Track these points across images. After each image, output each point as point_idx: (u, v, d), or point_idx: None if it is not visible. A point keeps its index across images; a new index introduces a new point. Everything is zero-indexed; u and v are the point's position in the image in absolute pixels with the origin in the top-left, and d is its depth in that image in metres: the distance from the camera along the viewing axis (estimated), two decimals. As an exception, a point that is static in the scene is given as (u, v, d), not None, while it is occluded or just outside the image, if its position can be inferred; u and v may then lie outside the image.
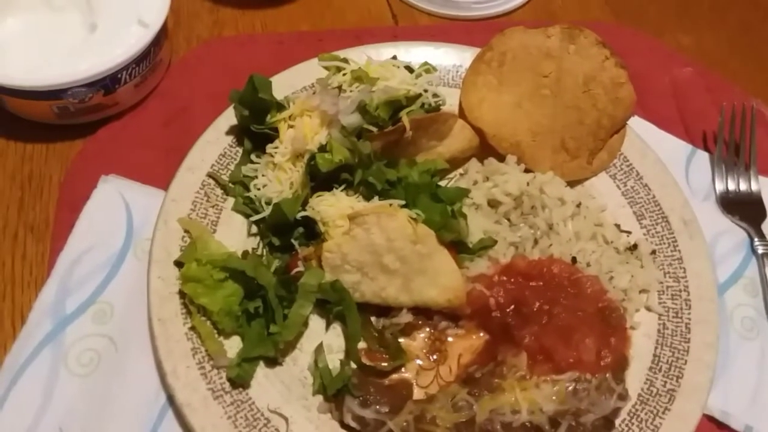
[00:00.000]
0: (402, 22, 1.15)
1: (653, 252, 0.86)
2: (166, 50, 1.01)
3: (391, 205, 0.80)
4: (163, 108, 0.99)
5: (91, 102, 0.92)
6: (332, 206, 0.80)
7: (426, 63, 0.93)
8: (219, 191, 0.87)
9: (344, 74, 0.88)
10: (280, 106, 0.86)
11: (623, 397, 0.75)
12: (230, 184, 0.87)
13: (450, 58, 1.00)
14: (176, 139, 0.95)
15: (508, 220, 0.89)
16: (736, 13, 1.23)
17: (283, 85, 0.94)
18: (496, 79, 0.96)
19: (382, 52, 0.98)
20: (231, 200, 0.86)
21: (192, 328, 0.76)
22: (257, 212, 0.84)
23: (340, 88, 0.85)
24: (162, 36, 0.96)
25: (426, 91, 0.87)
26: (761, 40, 1.20)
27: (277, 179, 0.83)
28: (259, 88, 0.82)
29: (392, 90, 0.82)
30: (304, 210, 0.80)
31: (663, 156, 0.96)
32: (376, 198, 0.80)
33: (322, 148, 0.80)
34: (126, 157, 0.93)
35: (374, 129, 0.81)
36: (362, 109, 0.80)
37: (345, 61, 0.91)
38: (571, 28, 0.97)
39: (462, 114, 0.95)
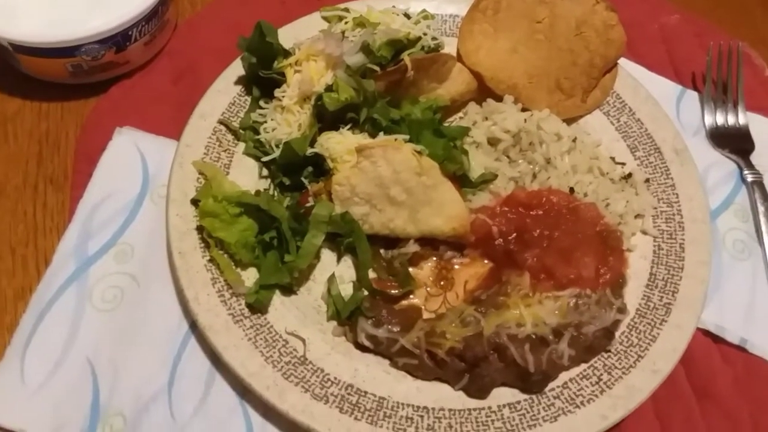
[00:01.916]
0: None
1: (647, 180, 0.90)
2: (173, 11, 1.05)
3: (396, 140, 0.83)
4: (172, 66, 1.03)
5: (103, 59, 0.96)
6: (340, 143, 0.83)
7: (424, 10, 0.97)
8: (230, 137, 0.90)
9: (346, 22, 0.92)
10: (286, 53, 0.89)
11: (622, 310, 0.79)
12: (241, 130, 0.90)
13: (447, 7, 1.04)
14: (185, 94, 0.98)
15: (508, 156, 0.93)
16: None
17: (287, 38, 0.97)
18: (492, 27, 1.00)
19: (381, 3, 1.02)
20: (242, 145, 0.90)
21: (211, 260, 0.80)
22: (267, 154, 0.88)
23: (343, 33, 0.89)
24: (168, -5, 1.00)
25: (425, 34, 0.90)
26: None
27: (285, 121, 0.87)
28: (266, 32, 0.86)
29: (393, 31, 0.86)
30: (313, 148, 0.84)
31: (654, 96, 1.00)
32: (381, 135, 0.84)
33: (329, 89, 0.84)
34: (138, 112, 0.97)
35: (378, 69, 0.85)
36: (366, 48, 0.84)
37: (346, 11, 0.95)
38: None
39: (460, 61, 0.99)
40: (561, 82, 0.97)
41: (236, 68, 0.94)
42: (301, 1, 1.11)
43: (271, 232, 0.79)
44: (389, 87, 0.87)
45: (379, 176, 0.81)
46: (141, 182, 0.90)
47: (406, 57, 0.85)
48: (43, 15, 0.94)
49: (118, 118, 0.96)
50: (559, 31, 0.99)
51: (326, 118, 0.85)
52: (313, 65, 0.87)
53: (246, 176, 0.88)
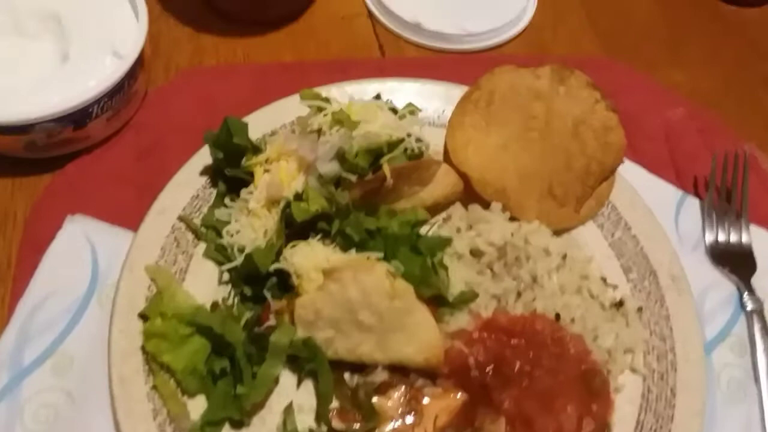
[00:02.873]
0: (389, 52, 1.12)
1: (640, 309, 0.83)
2: (142, 81, 0.97)
3: (368, 258, 0.76)
4: (137, 141, 0.95)
5: (60, 136, 0.88)
6: (307, 257, 0.76)
7: (410, 104, 0.90)
8: (190, 236, 0.83)
9: (325, 115, 0.85)
10: (256, 149, 0.82)
11: (604, 466, 0.72)
12: (202, 228, 0.83)
13: (437, 96, 0.97)
14: (149, 174, 0.91)
15: (491, 269, 0.86)
16: (732, 51, 1.20)
17: (262, 122, 0.91)
18: (484, 120, 0.93)
19: (367, 88, 0.95)
20: (202, 246, 0.83)
21: (154, 387, 0.72)
22: (229, 259, 0.80)
23: (320, 131, 0.81)
24: (137, 67, 0.92)
25: (409, 135, 0.83)
26: (756, 80, 1.17)
27: (250, 226, 0.80)
28: (234, 132, 0.79)
29: (373, 136, 0.79)
30: (278, 261, 0.77)
31: (652, 201, 0.93)
32: (353, 251, 0.76)
33: (298, 197, 0.77)
34: (95, 194, 0.90)
35: (353, 178, 0.78)
36: (341, 156, 0.77)
37: (326, 100, 0.88)
38: (561, 69, 0.94)
39: (447, 155, 0.92)
40: (553, 187, 0.90)
41: (203, 156, 0.87)
42: (283, 73, 1.05)
43: (223, 360, 0.72)
44: (366, 194, 0.80)
45: (347, 300, 0.74)
46: (89, 280, 0.82)
47: (385, 165, 0.78)
48: (-3, 86, 0.87)
49: (73, 200, 0.89)
50: (555, 130, 0.92)
51: (295, 225, 0.78)
52: (284, 166, 0.79)
53: (204, 282, 0.81)
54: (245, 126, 0.82)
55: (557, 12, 1.20)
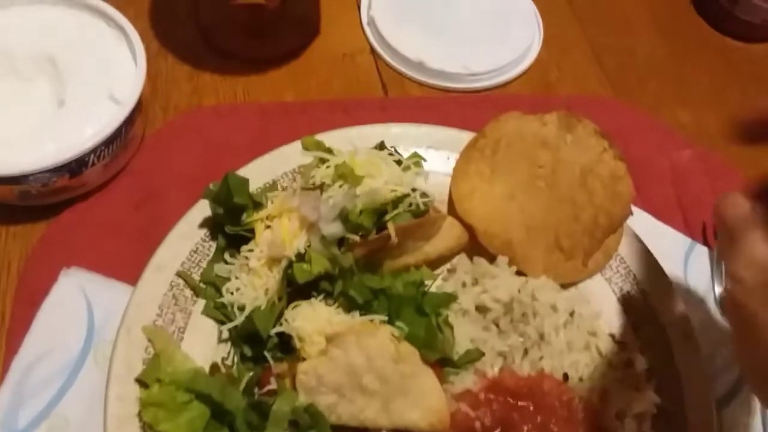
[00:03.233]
0: (392, 91, 1.10)
1: (649, 369, 0.81)
2: (140, 125, 0.95)
3: (371, 320, 0.74)
4: (135, 188, 0.93)
5: (55, 185, 0.86)
6: (309, 320, 0.74)
7: (415, 154, 0.88)
8: (188, 292, 0.81)
9: (327, 167, 0.83)
10: (257, 204, 0.80)
11: None
12: (201, 285, 0.81)
13: (443, 143, 0.95)
14: (147, 224, 0.89)
15: (497, 326, 0.84)
16: (738, 90, 1.19)
17: (263, 170, 0.88)
18: (489, 168, 0.91)
19: (370, 134, 0.93)
20: (201, 302, 0.81)
21: (152, 456, 0.70)
22: (229, 318, 0.78)
23: (322, 186, 0.79)
24: (135, 112, 0.90)
25: (414, 190, 0.81)
26: (764, 119, 1.16)
27: (251, 284, 0.78)
28: (233, 190, 0.76)
29: (377, 195, 0.77)
30: (280, 322, 0.75)
31: (661, 251, 0.91)
32: (356, 313, 0.74)
33: (300, 257, 0.75)
34: (91, 245, 0.87)
35: (357, 238, 0.76)
36: (344, 217, 0.75)
37: (329, 150, 0.86)
38: (569, 116, 0.92)
39: (451, 206, 0.90)
40: (561, 239, 0.88)
41: (203, 207, 0.84)
42: (284, 114, 1.03)
43: (223, 429, 0.70)
44: (370, 253, 0.78)
45: (350, 364, 0.72)
46: (84, 338, 0.80)
47: (390, 226, 0.76)
48: (-14, 136, 0.85)
49: (69, 250, 0.86)
50: (562, 179, 0.90)
51: (297, 285, 0.76)
52: (286, 223, 0.77)
53: (203, 341, 0.78)
54: (246, 182, 0.79)
55: (562, 49, 1.19)
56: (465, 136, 0.94)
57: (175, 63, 1.07)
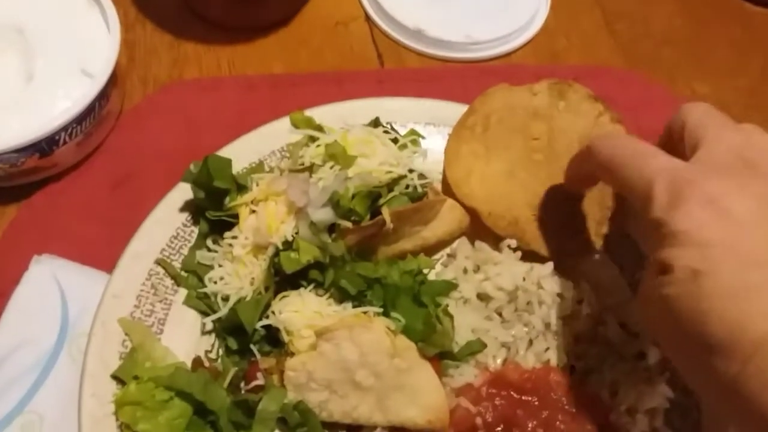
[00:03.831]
0: (388, 62, 1.03)
1: (662, 361, 0.76)
2: (116, 99, 0.88)
3: (365, 313, 0.69)
4: (111, 167, 0.87)
5: (24, 166, 0.80)
6: (298, 311, 0.69)
7: (413, 131, 0.82)
8: (169, 281, 0.75)
9: (318, 146, 0.76)
10: (241, 187, 0.74)
11: None
12: (182, 273, 0.75)
13: (442, 118, 0.88)
14: (124, 207, 0.83)
15: (500, 315, 0.78)
16: (759, 60, 1.11)
17: (249, 149, 0.82)
18: (483, 146, 0.85)
19: (364, 109, 0.86)
20: (182, 292, 0.75)
21: (130, 457, 0.66)
22: (212, 308, 0.73)
23: (311, 167, 0.73)
24: (109, 87, 0.83)
25: (411, 171, 0.75)
26: (785, 91, 1.09)
27: (235, 273, 0.72)
28: (214, 173, 0.70)
29: (371, 177, 0.70)
30: (266, 314, 0.69)
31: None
32: (348, 305, 0.69)
33: (287, 244, 0.69)
34: (65, 229, 0.82)
35: (349, 224, 0.70)
36: (335, 201, 0.68)
37: (319, 128, 0.79)
38: (559, 83, 0.87)
39: (447, 188, 0.84)
40: (568, 214, 0.82)
41: (183, 189, 0.78)
42: (272, 87, 0.96)
43: (206, 429, 0.65)
44: (363, 240, 0.72)
45: (342, 359, 0.67)
46: (58, 331, 0.75)
47: (385, 211, 0.70)
48: (-52, 114, 0.78)
49: (40, 235, 0.81)
50: (560, 149, 0.84)
51: (285, 275, 0.70)
52: (272, 208, 0.71)
53: (185, 333, 0.73)
54: (228, 164, 0.73)
55: (571, 16, 1.11)
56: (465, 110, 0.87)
57: (155, 31, 0.99)
